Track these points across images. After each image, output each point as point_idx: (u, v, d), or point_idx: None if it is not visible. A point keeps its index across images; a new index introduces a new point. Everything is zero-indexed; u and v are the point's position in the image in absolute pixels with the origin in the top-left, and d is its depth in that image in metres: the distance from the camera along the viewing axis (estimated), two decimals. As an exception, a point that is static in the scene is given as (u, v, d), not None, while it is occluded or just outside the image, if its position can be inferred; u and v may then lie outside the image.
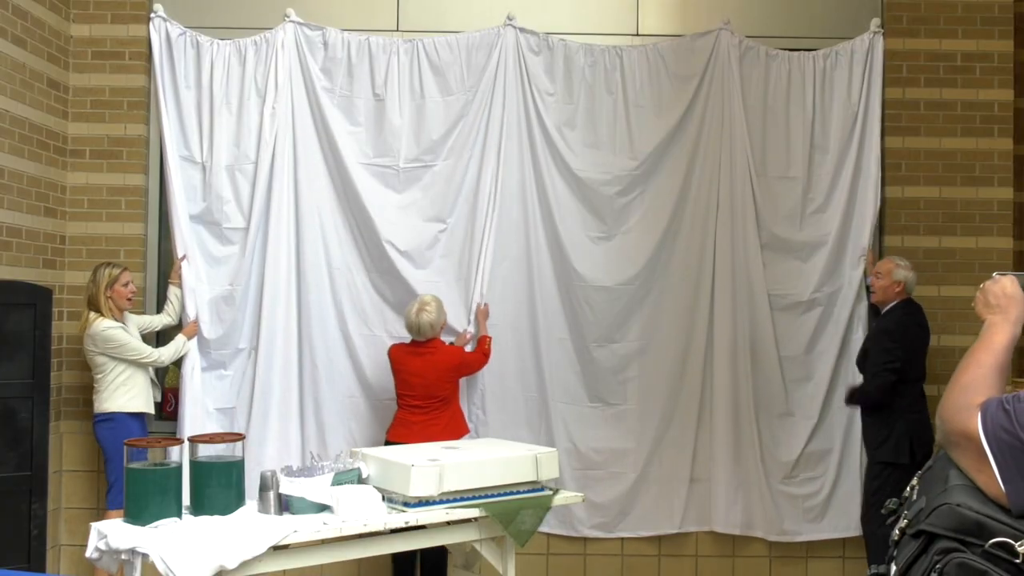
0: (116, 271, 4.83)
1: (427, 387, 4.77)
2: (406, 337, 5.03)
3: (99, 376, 4.79)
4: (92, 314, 4.77)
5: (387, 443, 4.72)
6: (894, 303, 4.84)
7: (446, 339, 5.03)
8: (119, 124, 5.33)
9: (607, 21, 5.47)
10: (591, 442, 5.29)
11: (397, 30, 5.45)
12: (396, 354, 4.90)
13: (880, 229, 5.38)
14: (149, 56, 5.30)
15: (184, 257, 5.13)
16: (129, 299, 4.88)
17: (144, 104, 5.35)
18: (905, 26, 5.35)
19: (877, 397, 4.69)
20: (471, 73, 5.27)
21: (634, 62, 5.31)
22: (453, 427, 4.81)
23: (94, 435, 4.87)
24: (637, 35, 5.48)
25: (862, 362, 4.97)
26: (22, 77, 4.87)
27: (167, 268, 5.31)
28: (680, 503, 5.27)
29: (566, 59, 5.31)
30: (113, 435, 4.65)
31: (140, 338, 4.91)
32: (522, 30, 5.30)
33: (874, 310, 5.08)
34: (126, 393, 4.77)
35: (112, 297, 4.80)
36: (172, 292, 5.15)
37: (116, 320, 4.80)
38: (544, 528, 4.98)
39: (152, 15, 5.28)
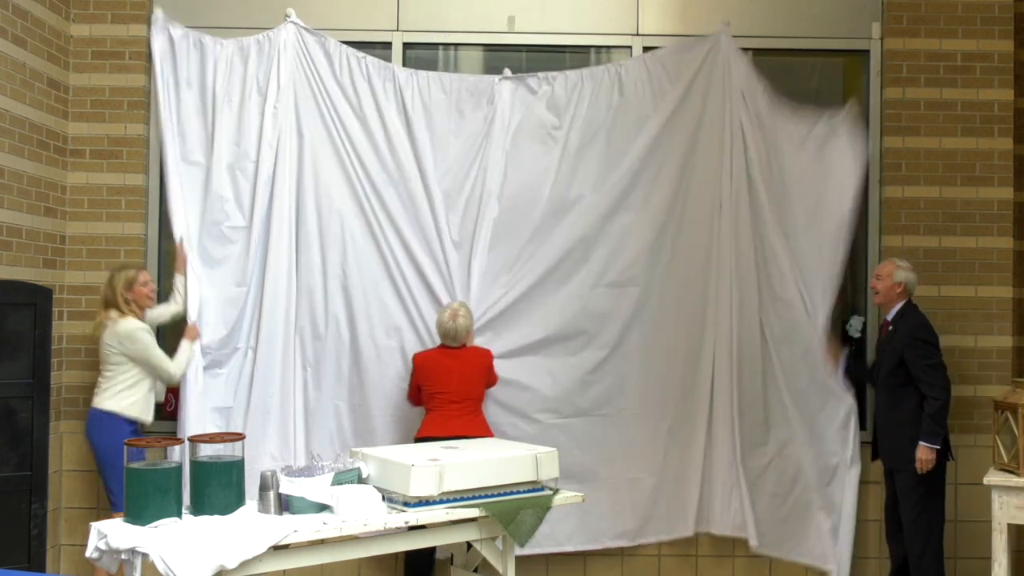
0: (132, 273, 4.80)
1: (466, 383, 4.80)
2: (417, 342, 5.04)
3: (108, 374, 4.74)
4: (115, 312, 4.73)
5: (419, 440, 4.73)
6: (899, 306, 4.84)
7: None
8: (119, 124, 5.33)
9: (607, 21, 5.47)
10: (592, 444, 5.27)
11: (397, 30, 5.45)
12: (426, 359, 4.87)
13: (880, 229, 5.38)
14: (149, 56, 5.30)
15: (181, 240, 5.08)
16: (150, 297, 4.85)
17: (144, 104, 5.35)
18: (905, 26, 5.35)
19: (946, 398, 4.65)
20: (470, 120, 5.26)
21: (632, 68, 5.29)
22: (485, 432, 4.84)
23: (86, 433, 4.80)
24: (637, 35, 5.48)
25: (870, 373, 4.99)
26: (22, 77, 4.87)
27: (168, 268, 5.29)
28: (692, 506, 5.24)
29: (567, 89, 5.27)
30: (108, 437, 4.59)
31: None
32: (519, 78, 5.27)
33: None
34: (129, 397, 4.74)
35: (134, 299, 4.77)
36: (178, 280, 5.09)
37: (140, 320, 4.79)
38: (568, 547, 5.18)
39: (152, 15, 5.28)
